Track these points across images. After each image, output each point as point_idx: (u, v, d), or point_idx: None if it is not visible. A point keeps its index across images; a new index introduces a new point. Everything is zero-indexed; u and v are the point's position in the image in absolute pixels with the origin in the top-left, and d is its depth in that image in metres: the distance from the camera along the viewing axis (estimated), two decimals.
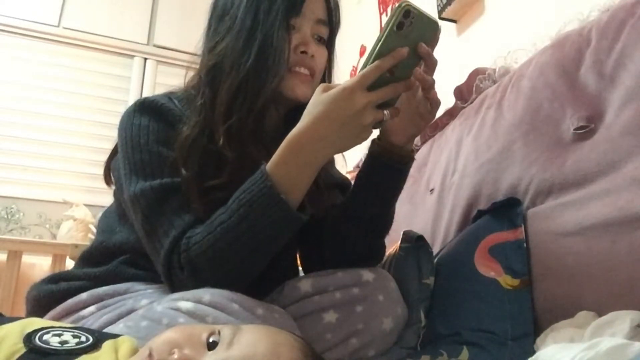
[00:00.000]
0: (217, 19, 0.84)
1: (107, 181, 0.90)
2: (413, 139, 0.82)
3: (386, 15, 2.19)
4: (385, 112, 0.68)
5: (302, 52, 0.81)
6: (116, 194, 0.87)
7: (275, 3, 0.79)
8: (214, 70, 0.81)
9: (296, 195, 0.70)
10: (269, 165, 0.70)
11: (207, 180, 0.75)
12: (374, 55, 0.66)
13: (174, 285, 0.70)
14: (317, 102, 0.67)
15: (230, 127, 0.77)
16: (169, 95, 0.85)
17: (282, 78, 0.78)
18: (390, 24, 0.64)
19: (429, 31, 0.68)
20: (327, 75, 0.89)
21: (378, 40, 0.66)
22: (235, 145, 0.76)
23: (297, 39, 0.81)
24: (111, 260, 0.81)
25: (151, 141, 0.77)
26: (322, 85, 0.69)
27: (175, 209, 0.73)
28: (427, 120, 0.77)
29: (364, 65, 0.66)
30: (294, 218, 0.69)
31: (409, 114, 0.75)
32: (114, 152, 0.88)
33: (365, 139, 0.69)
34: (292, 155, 0.69)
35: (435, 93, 0.74)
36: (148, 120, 0.79)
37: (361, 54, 2.36)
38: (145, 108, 0.81)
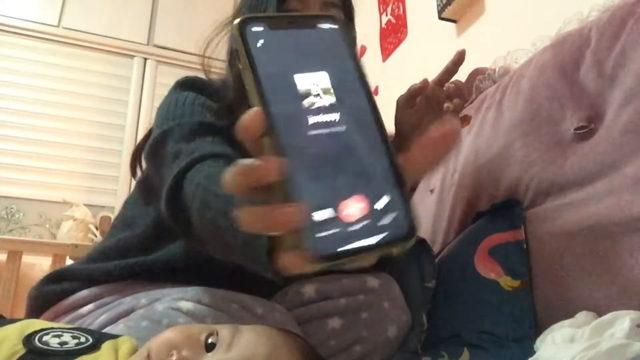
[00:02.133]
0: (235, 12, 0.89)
1: (134, 170, 0.89)
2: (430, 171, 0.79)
3: (386, 15, 2.19)
4: None
5: None
6: (141, 183, 0.86)
7: None
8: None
9: None
10: None
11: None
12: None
13: (174, 209, 0.63)
14: None
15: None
16: (207, 77, 0.88)
17: None
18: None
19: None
20: None
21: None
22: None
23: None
24: (127, 256, 0.80)
25: (197, 104, 0.78)
26: None
27: (208, 142, 0.69)
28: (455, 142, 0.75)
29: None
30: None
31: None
32: (145, 138, 0.86)
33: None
34: None
35: (467, 114, 0.71)
36: (189, 93, 0.81)
37: (361, 54, 2.35)
38: (188, 83, 0.84)
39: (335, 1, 0.83)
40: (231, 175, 0.28)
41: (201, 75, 0.88)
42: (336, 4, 0.84)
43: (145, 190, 0.85)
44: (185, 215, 0.59)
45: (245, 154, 0.30)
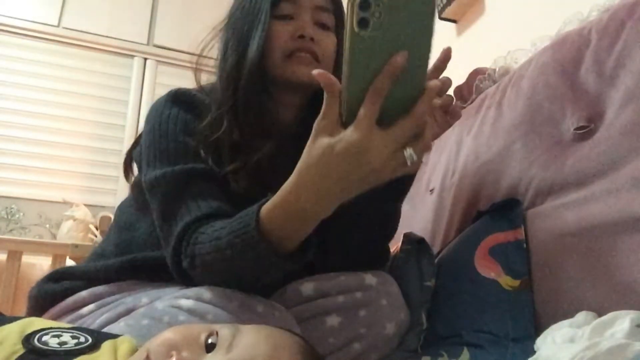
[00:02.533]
0: (226, 18, 0.88)
1: (127, 174, 0.90)
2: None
3: None
4: (409, 151, 0.54)
5: (300, 36, 0.81)
6: (135, 187, 0.87)
7: None
8: (219, 65, 0.85)
9: (288, 245, 0.64)
10: (266, 207, 0.62)
11: (224, 168, 0.76)
12: (349, 78, 0.49)
13: (180, 270, 0.70)
14: (320, 155, 0.55)
15: (229, 114, 0.78)
16: (200, 89, 0.87)
17: (276, 68, 0.80)
18: (348, 28, 0.46)
19: (414, 9, 0.46)
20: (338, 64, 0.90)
21: (345, 55, 0.48)
22: (239, 130, 0.78)
23: (292, 26, 0.81)
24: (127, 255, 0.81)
25: (179, 130, 0.79)
26: (323, 126, 0.55)
27: (194, 195, 0.73)
28: (443, 128, 0.77)
29: (348, 94, 0.50)
30: (279, 264, 0.63)
31: None
32: (135, 144, 0.88)
33: (385, 181, 0.57)
34: (288, 207, 0.61)
35: (456, 108, 0.73)
36: (178, 110, 0.81)
37: None
38: (177, 98, 0.83)
39: (327, 6, 0.85)
40: None
41: (205, 74, 0.88)
42: (328, 9, 0.85)
43: (138, 194, 0.85)
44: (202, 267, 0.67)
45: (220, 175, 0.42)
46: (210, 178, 0.75)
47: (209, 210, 0.71)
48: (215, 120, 0.79)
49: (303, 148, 0.58)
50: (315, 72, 0.53)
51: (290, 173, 0.60)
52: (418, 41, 0.47)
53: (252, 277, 0.68)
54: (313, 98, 0.84)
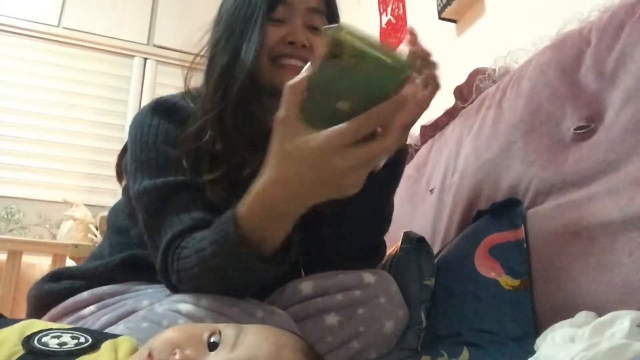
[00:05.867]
0: (216, 18, 0.87)
1: (119, 178, 0.90)
2: (408, 129, 0.81)
3: (386, 15, 2.19)
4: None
5: (290, 42, 0.80)
6: (126, 192, 0.87)
7: None
8: (208, 67, 0.84)
9: (269, 244, 0.63)
10: (241, 207, 0.62)
11: (204, 176, 0.76)
12: (311, 87, 0.52)
13: (170, 283, 0.70)
14: (287, 152, 0.55)
15: (214, 121, 0.78)
16: (185, 94, 0.86)
17: (262, 71, 0.79)
18: (324, 53, 0.49)
19: (385, 69, 0.48)
20: None
21: (313, 66, 0.52)
22: (223, 141, 0.77)
23: (284, 30, 0.80)
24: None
25: (159, 141, 0.78)
26: (294, 124, 0.55)
27: (176, 209, 0.73)
28: (423, 108, 0.77)
29: (310, 102, 0.53)
30: (259, 268, 0.63)
31: None
32: (124, 150, 0.88)
33: (353, 192, 0.57)
34: (262, 206, 0.60)
35: (436, 75, 0.73)
36: (159, 120, 0.80)
37: None
38: (159, 107, 0.82)
39: (321, 8, 0.84)
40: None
41: (198, 75, 0.87)
42: (321, 11, 0.84)
43: (129, 200, 0.86)
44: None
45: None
46: (191, 188, 0.75)
47: (189, 222, 0.70)
48: (198, 129, 0.77)
49: None
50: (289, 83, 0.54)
51: None
52: (383, 85, 0.51)
53: (241, 284, 0.67)
54: None
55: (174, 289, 0.70)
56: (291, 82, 0.54)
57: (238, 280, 0.66)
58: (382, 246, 0.90)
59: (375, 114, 0.51)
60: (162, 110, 0.82)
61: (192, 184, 0.75)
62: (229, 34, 0.81)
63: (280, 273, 0.66)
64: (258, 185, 0.60)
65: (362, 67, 0.48)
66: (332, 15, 0.86)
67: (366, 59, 0.47)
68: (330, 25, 0.50)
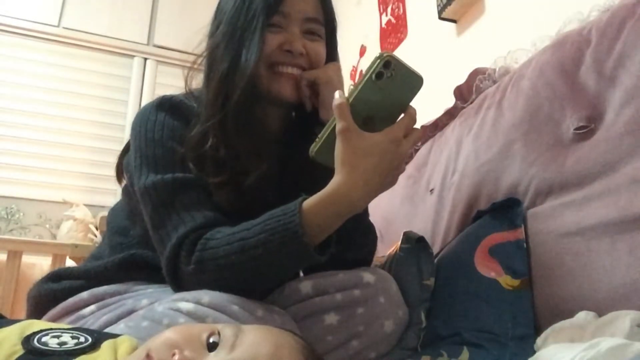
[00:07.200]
0: (214, 22, 0.87)
1: (119, 178, 0.90)
2: None
3: (386, 15, 2.19)
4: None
5: (287, 50, 0.81)
6: (125, 192, 0.87)
7: (253, 3, 0.80)
8: (207, 71, 0.84)
9: (320, 239, 0.69)
10: (307, 203, 0.68)
11: (209, 179, 0.76)
12: (351, 100, 0.66)
13: (176, 279, 0.70)
14: (363, 151, 0.65)
15: (216, 128, 0.78)
16: (189, 94, 0.86)
17: (260, 77, 0.80)
18: (369, 73, 0.64)
19: (410, 84, 0.66)
20: None
21: (356, 86, 0.66)
22: (226, 147, 0.77)
23: (282, 38, 0.81)
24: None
25: (166, 137, 0.78)
26: (352, 130, 0.66)
27: (186, 205, 0.73)
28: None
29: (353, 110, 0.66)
30: (311, 258, 0.68)
31: None
32: (126, 149, 0.88)
33: (394, 184, 0.72)
34: (333, 205, 0.67)
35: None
36: (164, 116, 0.81)
37: (361, 54, 2.36)
38: (164, 104, 0.83)
39: (318, 17, 0.84)
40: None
41: (199, 75, 0.87)
42: (319, 21, 0.85)
43: (129, 200, 0.85)
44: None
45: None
46: (199, 186, 0.75)
47: (204, 220, 0.71)
48: (201, 134, 0.78)
49: (287, 163, 0.67)
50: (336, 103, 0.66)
51: (275, 189, 0.68)
52: (407, 96, 0.68)
53: (274, 275, 0.72)
54: (296, 110, 0.86)
55: (178, 284, 0.70)
56: (337, 101, 0.66)
57: (273, 271, 0.71)
58: (373, 237, 0.90)
59: (414, 114, 0.68)
60: (167, 107, 0.82)
61: (200, 183, 0.76)
62: (228, 39, 0.81)
63: (318, 263, 0.71)
64: (330, 188, 0.67)
65: (401, 79, 0.65)
66: (329, 22, 0.87)
67: (407, 72, 0.65)
68: (382, 52, 0.65)
